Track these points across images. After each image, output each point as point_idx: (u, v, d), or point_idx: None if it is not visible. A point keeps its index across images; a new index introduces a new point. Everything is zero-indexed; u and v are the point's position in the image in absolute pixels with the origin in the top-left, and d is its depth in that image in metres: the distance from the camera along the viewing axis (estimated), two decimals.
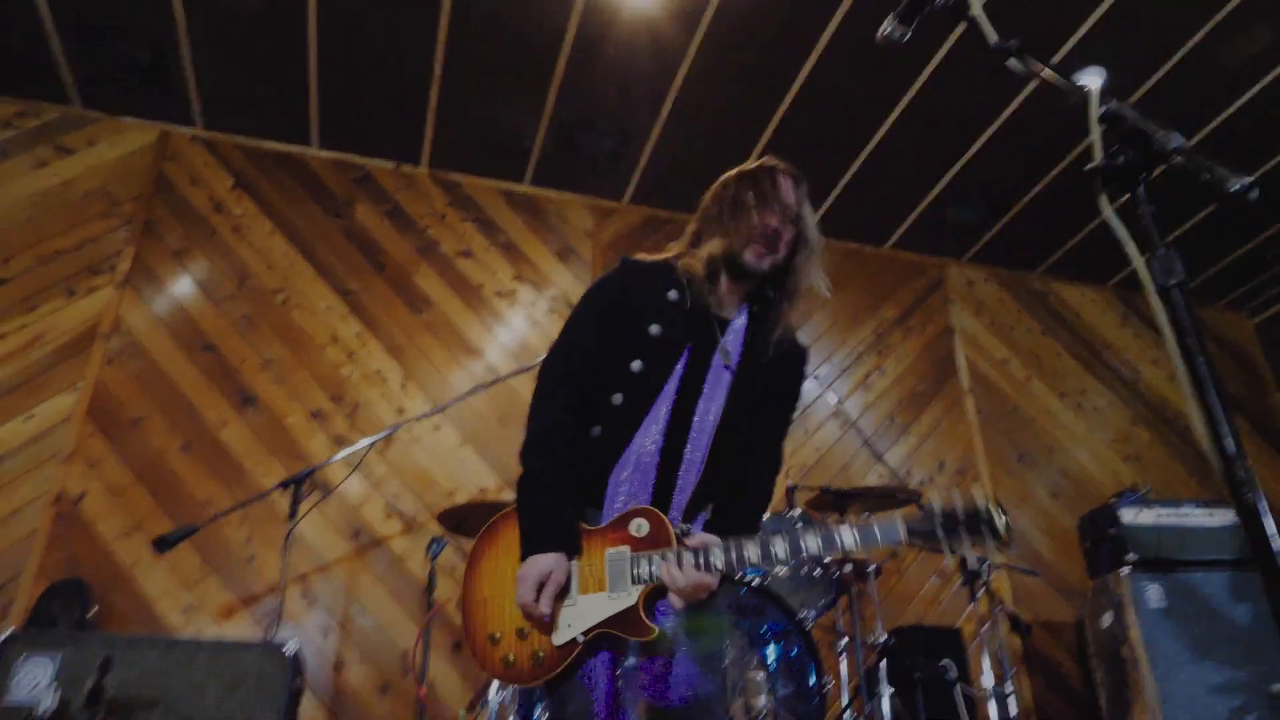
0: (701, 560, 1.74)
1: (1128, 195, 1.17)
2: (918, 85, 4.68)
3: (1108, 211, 1.14)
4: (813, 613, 3.27)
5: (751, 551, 1.74)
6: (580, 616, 1.78)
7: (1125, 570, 3.63)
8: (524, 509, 1.87)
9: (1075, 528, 4.42)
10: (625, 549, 1.80)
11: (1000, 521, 1.66)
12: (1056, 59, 3.64)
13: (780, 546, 1.73)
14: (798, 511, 3.47)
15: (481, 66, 4.53)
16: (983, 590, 3.84)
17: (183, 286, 4.43)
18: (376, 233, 4.86)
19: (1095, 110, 1.20)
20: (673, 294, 1.97)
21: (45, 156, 4.50)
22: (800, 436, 5.06)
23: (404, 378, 4.56)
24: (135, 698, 2.24)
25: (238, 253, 4.59)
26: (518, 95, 4.71)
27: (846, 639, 3.45)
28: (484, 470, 4.45)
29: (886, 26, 1.61)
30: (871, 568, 3.40)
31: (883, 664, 3.28)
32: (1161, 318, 1.08)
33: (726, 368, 1.95)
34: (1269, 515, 0.96)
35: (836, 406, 4.54)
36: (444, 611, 4.06)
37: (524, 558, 1.81)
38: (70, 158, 4.54)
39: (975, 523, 1.67)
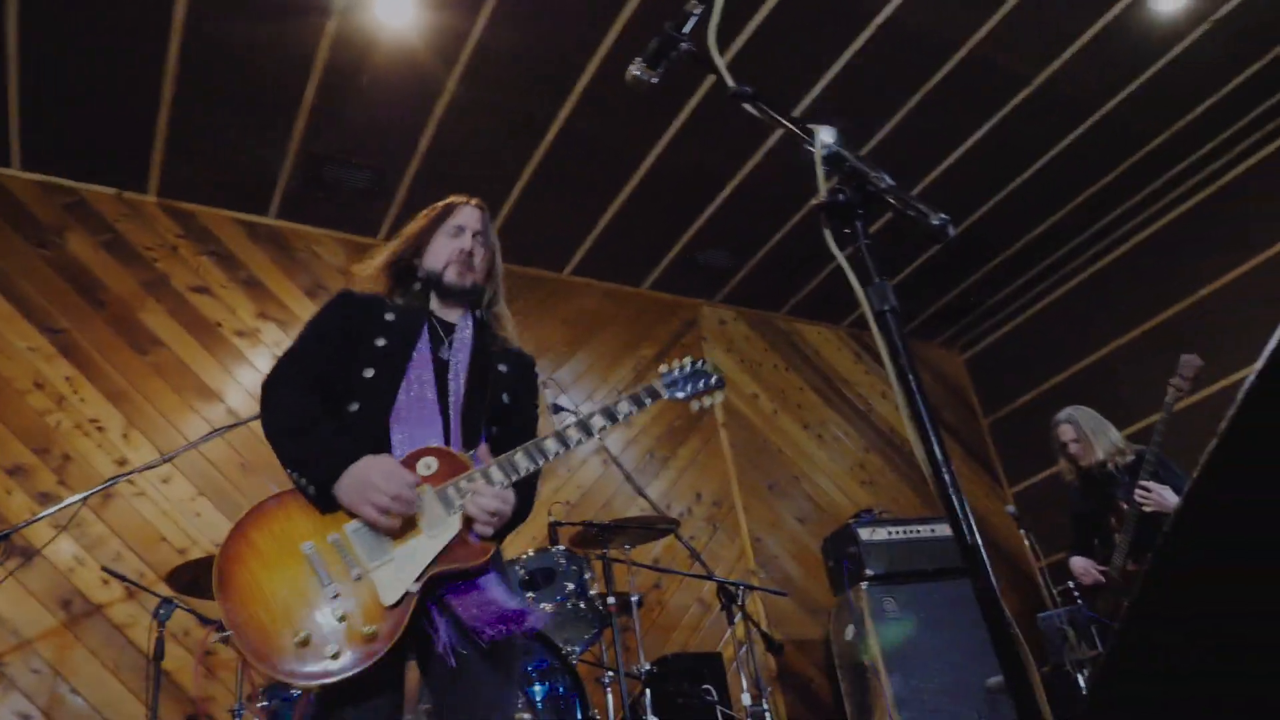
0: (505, 465, 1.86)
1: (849, 230, 1.25)
2: (669, 135, 4.91)
3: (831, 243, 1.22)
4: (578, 648, 3.25)
5: (543, 446, 1.90)
6: (404, 566, 1.71)
7: (864, 585, 3.90)
8: (304, 447, 1.81)
9: (820, 549, 4.72)
10: (426, 487, 1.82)
11: (709, 365, 2.09)
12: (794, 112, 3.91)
13: (568, 433, 1.91)
14: (560, 547, 3.45)
15: (219, 92, 4.23)
16: (739, 614, 4.00)
17: None
18: (93, 265, 4.37)
19: (819, 151, 1.28)
20: (390, 315, 2.10)
21: None
22: (563, 474, 5.06)
23: (126, 425, 4.10)
24: None
25: None
26: (262, 124, 4.45)
27: (611, 673, 3.45)
28: (222, 524, 4.07)
29: (635, 69, 1.67)
30: (635, 598, 3.44)
31: (646, 694, 3.31)
32: (878, 337, 1.16)
33: (453, 360, 2.09)
34: (969, 513, 1.05)
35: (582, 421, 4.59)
36: (174, 680, 3.64)
37: (323, 483, 1.74)
38: None
39: (694, 374, 2.06)
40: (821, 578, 5.55)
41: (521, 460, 1.89)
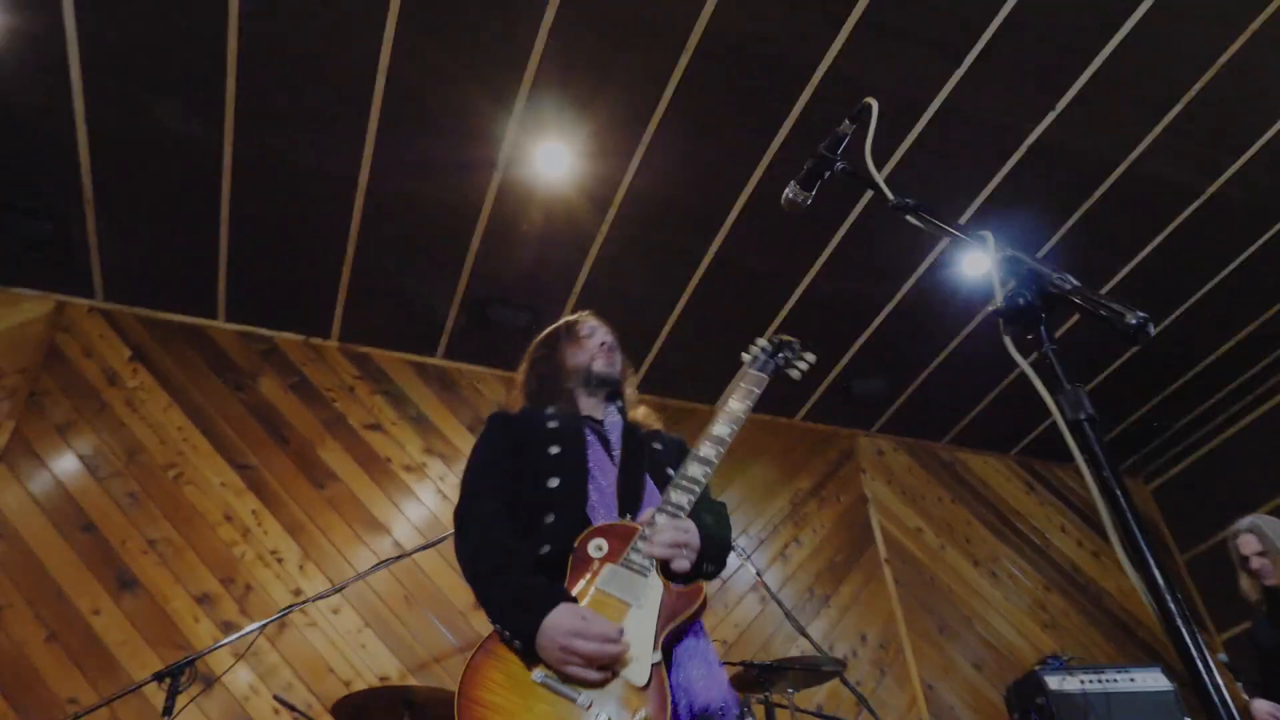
0: (669, 509, 1.81)
1: (1031, 337, 1.19)
2: (820, 263, 4.92)
3: (1013, 350, 1.16)
4: None
5: (689, 475, 1.87)
6: (636, 646, 1.66)
7: None
8: (500, 601, 1.74)
9: (1002, 698, 4.32)
10: (607, 567, 1.78)
11: (790, 339, 2.18)
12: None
13: (702, 453, 1.91)
14: None
15: (396, 244, 4.59)
16: None
17: (64, 462, 4.16)
18: (281, 405, 4.71)
19: (994, 255, 1.24)
20: (552, 423, 2.10)
21: None
22: (719, 611, 4.90)
23: (302, 557, 4.30)
24: None
25: (129, 427, 4.36)
26: (432, 271, 4.77)
27: None
28: (386, 656, 4.14)
29: (789, 191, 1.68)
30: None
31: None
32: (1075, 452, 1.06)
33: (614, 450, 2.10)
34: (1205, 651, 0.92)
35: (757, 579, 4.43)
36: None
37: (527, 638, 1.65)
38: None
39: (780, 346, 2.12)
40: None
41: (680, 497, 1.85)
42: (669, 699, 1.61)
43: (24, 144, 3.98)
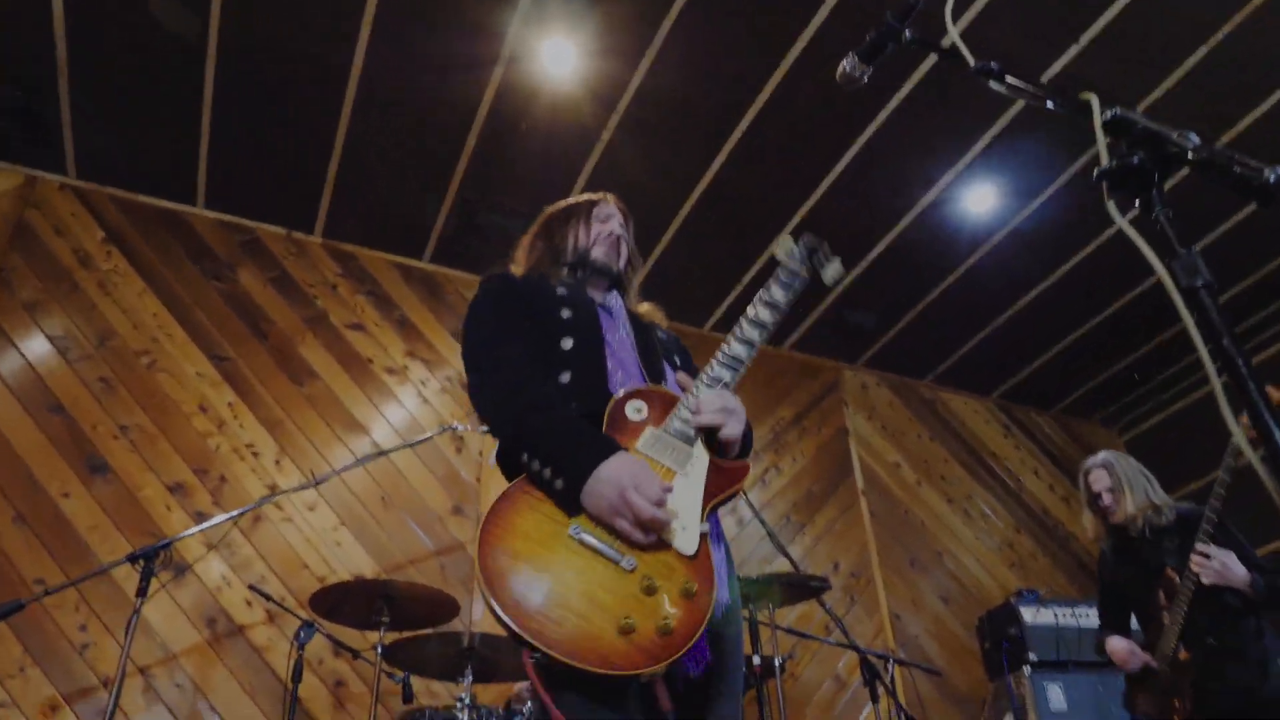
0: (706, 378, 1.73)
1: (1141, 201, 1.09)
2: (818, 195, 4.82)
3: (1119, 217, 1.07)
4: None
5: (732, 353, 1.77)
6: (684, 513, 1.56)
7: (1027, 670, 3.57)
8: (546, 434, 1.60)
9: (972, 631, 4.38)
10: (648, 430, 1.68)
11: (818, 242, 1.97)
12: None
13: (744, 334, 1.79)
14: None
15: (388, 139, 4.41)
16: (884, 692, 3.71)
17: (33, 342, 4.01)
18: (260, 299, 4.57)
19: (1099, 116, 1.14)
20: (560, 289, 2.00)
21: None
22: None
23: (279, 453, 4.21)
24: None
25: (101, 310, 4.21)
26: (423, 171, 4.60)
27: None
28: (361, 555, 4.10)
29: (847, 64, 1.56)
30: (779, 661, 3.23)
31: None
32: (1189, 323, 0.98)
33: (622, 327, 2.00)
34: None
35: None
36: (305, 708, 3.63)
37: (575, 481, 1.52)
38: None
39: (813, 248, 1.95)
40: (965, 662, 5.16)
41: (722, 371, 1.75)
42: (715, 574, 1.52)
43: None
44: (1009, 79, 1.30)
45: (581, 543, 1.50)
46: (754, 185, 4.76)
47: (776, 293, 1.88)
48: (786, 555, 3.90)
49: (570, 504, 1.54)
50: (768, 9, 3.89)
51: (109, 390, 4.03)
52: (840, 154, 4.61)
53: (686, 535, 1.54)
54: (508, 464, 1.74)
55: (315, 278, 4.76)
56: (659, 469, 1.62)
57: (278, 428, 4.26)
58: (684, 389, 1.76)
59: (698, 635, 1.44)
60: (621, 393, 1.74)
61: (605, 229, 2.16)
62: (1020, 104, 4.36)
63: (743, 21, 3.94)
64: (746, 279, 5.37)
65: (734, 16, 3.92)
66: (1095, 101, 1.14)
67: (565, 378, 1.79)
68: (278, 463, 4.18)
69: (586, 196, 2.26)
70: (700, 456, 1.65)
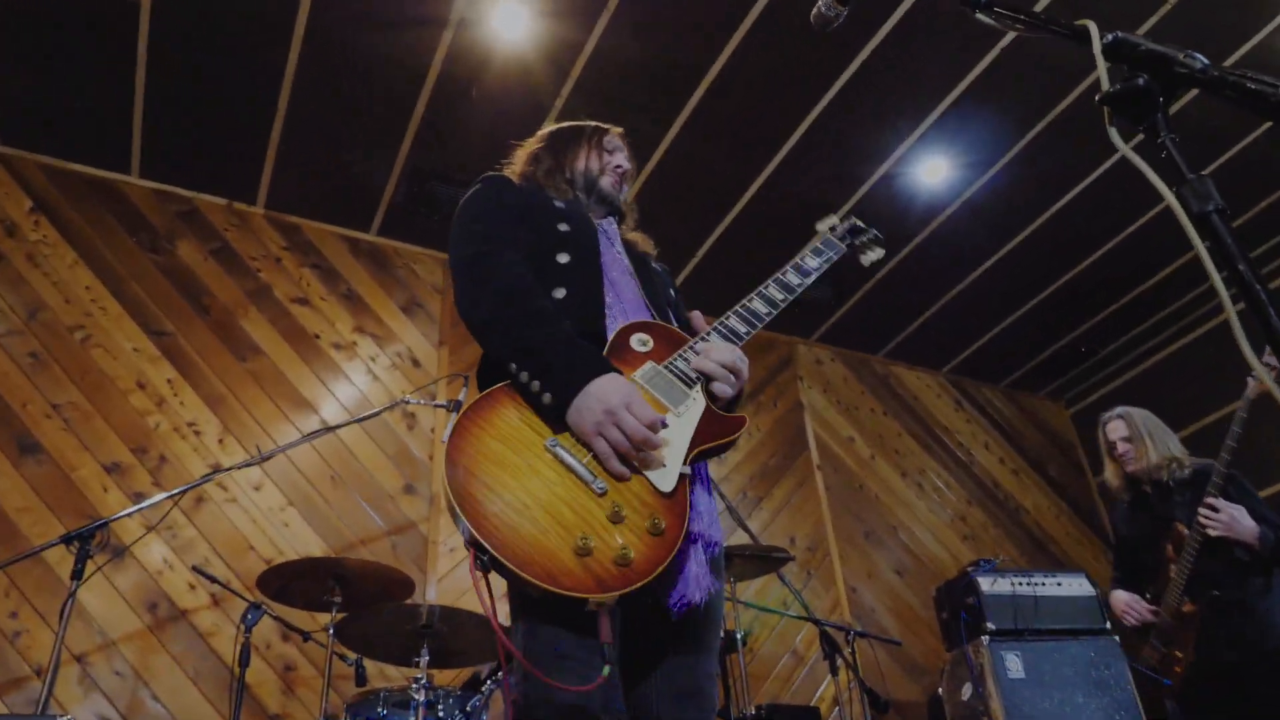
0: (722, 328, 1.71)
1: (1144, 127, 1.04)
2: (773, 165, 4.78)
3: (1118, 141, 1.02)
4: None
5: (751, 309, 1.76)
6: (667, 449, 1.51)
7: (985, 639, 3.59)
8: (539, 346, 1.53)
9: (926, 603, 4.40)
10: (649, 364, 1.63)
11: (865, 225, 2.05)
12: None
13: (768, 293, 1.80)
14: None
15: (332, 106, 4.26)
16: (843, 665, 3.71)
17: None
18: (200, 271, 4.39)
19: (1099, 41, 1.09)
20: (559, 202, 1.92)
21: None
22: None
23: (222, 431, 4.06)
24: None
25: (30, 283, 4.00)
26: (371, 138, 4.45)
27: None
28: (310, 536, 3.97)
29: (821, 4, 1.49)
30: (740, 635, 3.20)
31: None
32: (1201, 250, 0.93)
33: (618, 251, 1.93)
34: None
35: None
36: (254, 694, 3.51)
37: (564, 396, 1.47)
38: None
39: (856, 229, 2.02)
40: (920, 634, 5.21)
41: (737, 324, 1.73)
42: (687, 516, 1.47)
43: None
44: (998, 8, 1.24)
45: (556, 456, 1.46)
46: (708, 156, 4.70)
47: (810, 260, 1.89)
48: (746, 529, 3.88)
49: (555, 419, 1.49)
50: None
51: (40, 366, 3.84)
52: (795, 125, 4.57)
53: (665, 473, 1.48)
54: (489, 377, 1.66)
55: (258, 250, 4.59)
56: (651, 402, 1.57)
57: (220, 405, 4.10)
58: (697, 329, 1.73)
59: (656, 573, 1.39)
60: (630, 322, 1.68)
61: (614, 160, 2.09)
62: (975, 74, 4.36)
63: None
64: (701, 252, 5.32)
65: None
66: (1093, 27, 1.10)
67: (560, 293, 1.72)
68: (221, 441, 4.03)
69: (595, 123, 2.17)
70: (698, 401, 1.60)
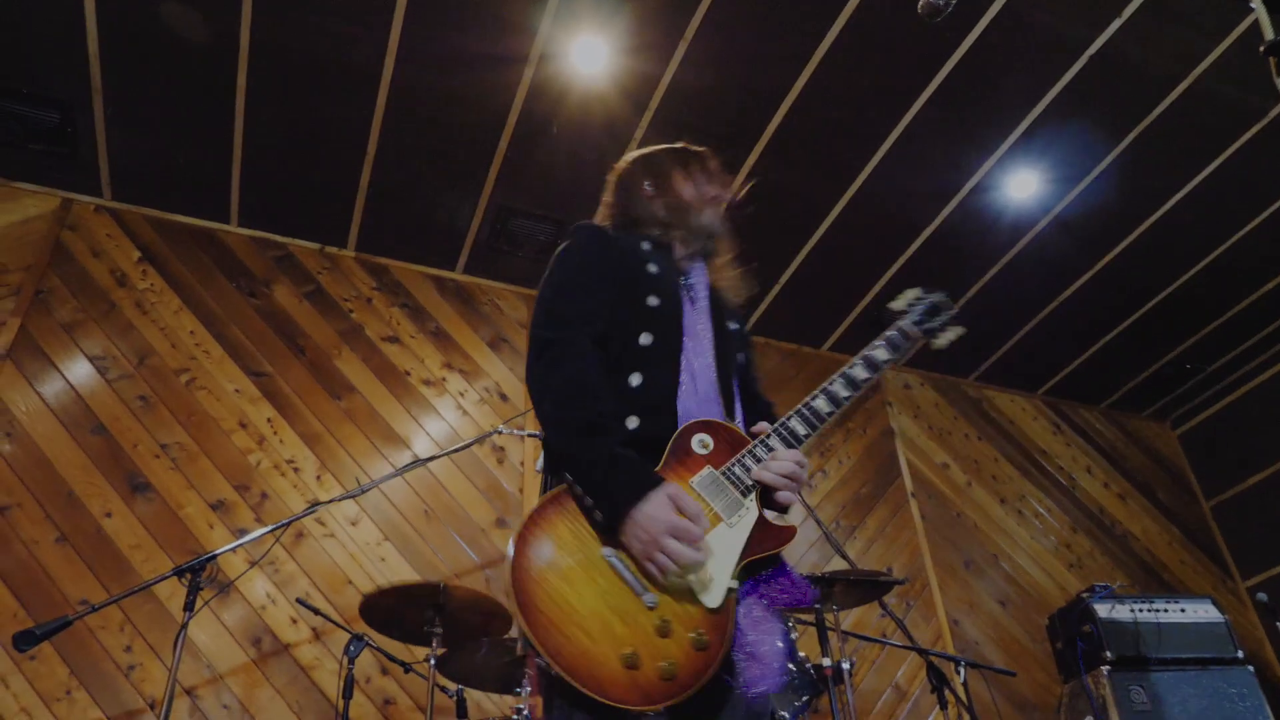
0: (783, 432, 1.66)
1: None
2: (856, 186, 4.72)
3: None
4: (788, 715, 2.92)
5: (814, 407, 1.70)
6: (717, 562, 1.53)
7: (1105, 669, 3.40)
8: (589, 463, 1.53)
9: (1032, 634, 4.20)
10: (707, 469, 1.62)
11: (939, 296, 1.92)
12: None
13: (833, 389, 1.72)
14: None
15: (419, 146, 4.37)
16: (952, 697, 3.55)
17: (73, 363, 3.98)
18: (296, 314, 4.53)
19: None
20: (653, 267, 1.86)
21: None
22: None
23: (320, 468, 4.14)
24: None
25: (139, 329, 4.18)
26: (455, 178, 4.55)
27: None
28: (405, 570, 4.01)
29: None
30: (847, 664, 3.09)
31: None
32: None
33: (703, 320, 1.87)
34: None
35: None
36: None
37: (614, 515, 1.49)
38: None
39: (937, 307, 1.89)
40: (1029, 668, 4.98)
41: (799, 426, 1.68)
42: (730, 633, 1.49)
43: (28, 24, 3.73)
44: None
45: (611, 566, 1.50)
46: (789, 181, 4.66)
47: (881, 353, 1.79)
48: (844, 555, 3.77)
49: (608, 534, 1.53)
50: None
51: (149, 409, 3.99)
52: (877, 144, 4.51)
53: (713, 587, 1.51)
54: (554, 465, 1.67)
55: (349, 291, 4.72)
56: (705, 509, 1.58)
57: (317, 442, 4.20)
58: (757, 435, 1.68)
59: (698, 686, 1.44)
60: (692, 422, 1.66)
61: (715, 192, 2.01)
62: (1061, 85, 4.25)
63: (775, 9, 3.87)
64: (783, 279, 5.27)
65: (766, 5, 3.85)
66: None
67: (635, 380, 1.71)
68: (319, 478, 4.11)
69: (689, 147, 2.08)
70: (751, 510, 1.60)
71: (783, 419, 1.70)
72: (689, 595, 1.50)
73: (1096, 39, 4.07)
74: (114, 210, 4.45)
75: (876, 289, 5.40)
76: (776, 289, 5.34)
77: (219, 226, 4.62)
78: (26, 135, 4.12)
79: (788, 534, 1.61)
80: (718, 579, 1.51)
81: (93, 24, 3.74)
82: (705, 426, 1.66)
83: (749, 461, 1.63)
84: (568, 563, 1.49)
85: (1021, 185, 4.76)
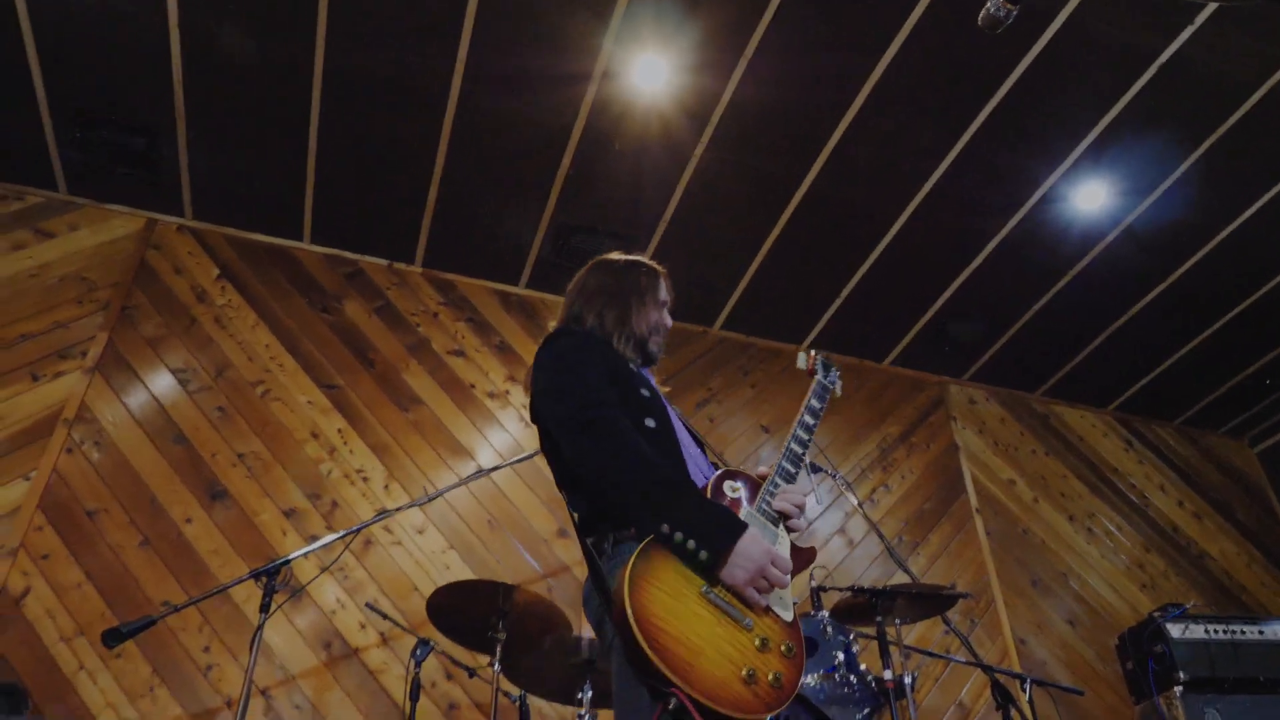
0: (781, 472, 1.94)
1: None
2: (918, 200, 4.69)
3: None
4: None
5: (791, 448, 2.00)
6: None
7: (1178, 690, 3.31)
8: (687, 511, 1.73)
9: (1102, 656, 4.10)
10: (745, 508, 1.87)
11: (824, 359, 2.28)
12: None
13: (799, 433, 2.04)
14: (825, 613, 3.16)
15: (484, 167, 4.48)
16: (1016, 716, 3.48)
17: (157, 375, 4.17)
18: (366, 328, 4.67)
19: None
20: (632, 364, 2.11)
21: (23, 240, 4.31)
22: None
23: (388, 477, 4.25)
24: None
25: (218, 343, 4.35)
26: (520, 194, 4.65)
27: None
28: (469, 578, 4.08)
29: (990, 5, 1.47)
30: (909, 678, 3.06)
31: None
32: None
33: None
34: None
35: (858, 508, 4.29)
36: None
37: (718, 553, 1.69)
38: (49, 242, 4.35)
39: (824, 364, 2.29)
40: (1098, 689, 4.85)
41: (788, 465, 1.98)
42: (803, 641, 1.76)
43: (117, 54, 3.94)
44: None
45: (711, 601, 1.68)
46: (851, 195, 4.66)
47: (815, 403, 2.14)
48: (906, 570, 3.74)
49: (709, 572, 1.70)
50: (861, 7, 3.83)
51: (226, 419, 4.15)
52: (941, 155, 4.48)
53: (785, 604, 1.78)
54: (600, 525, 1.87)
55: (417, 306, 4.85)
56: None
57: (385, 453, 4.31)
58: (763, 477, 1.97)
59: (798, 689, 1.68)
60: (721, 470, 1.95)
61: (663, 321, 2.23)
62: (1130, 95, 4.18)
63: (835, 23, 3.89)
64: (845, 292, 5.25)
65: (827, 20, 3.87)
66: None
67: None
68: (386, 487, 4.22)
69: (654, 269, 2.29)
70: (784, 538, 1.89)
71: (778, 463, 1.98)
72: (772, 614, 1.73)
73: (1167, 48, 4.00)
74: (195, 229, 4.65)
75: (940, 302, 5.35)
76: (838, 303, 5.32)
77: (293, 244, 4.79)
78: (115, 159, 4.34)
79: (811, 554, 1.93)
80: (785, 596, 1.78)
81: (177, 52, 3.93)
82: (731, 474, 1.93)
83: (769, 497, 1.90)
84: (680, 604, 1.65)
85: (1090, 197, 4.68)
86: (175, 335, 4.30)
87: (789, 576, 1.76)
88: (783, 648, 1.69)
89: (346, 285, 4.78)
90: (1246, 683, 3.32)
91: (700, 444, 2.14)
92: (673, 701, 1.54)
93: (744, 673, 1.61)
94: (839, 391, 2.27)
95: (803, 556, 1.89)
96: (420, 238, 4.84)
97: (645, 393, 2.01)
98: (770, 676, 1.63)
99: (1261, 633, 3.49)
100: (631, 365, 2.08)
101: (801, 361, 2.29)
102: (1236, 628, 3.47)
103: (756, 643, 1.66)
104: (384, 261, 4.93)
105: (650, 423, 1.94)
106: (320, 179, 4.52)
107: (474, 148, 4.38)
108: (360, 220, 4.77)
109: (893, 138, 4.38)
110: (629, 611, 1.58)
